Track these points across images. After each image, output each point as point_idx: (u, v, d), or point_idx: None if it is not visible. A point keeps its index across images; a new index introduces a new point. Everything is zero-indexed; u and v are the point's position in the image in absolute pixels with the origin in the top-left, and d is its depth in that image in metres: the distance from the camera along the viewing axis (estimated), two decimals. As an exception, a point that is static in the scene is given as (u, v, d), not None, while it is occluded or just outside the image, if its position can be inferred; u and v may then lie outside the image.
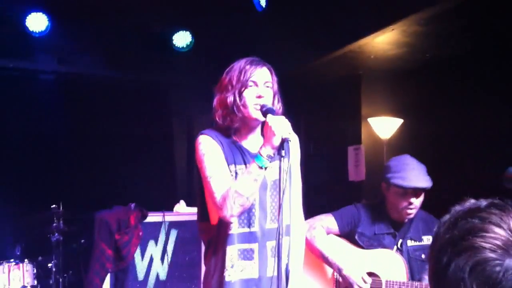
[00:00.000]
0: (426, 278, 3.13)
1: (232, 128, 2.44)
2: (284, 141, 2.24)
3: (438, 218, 3.10)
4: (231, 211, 2.27)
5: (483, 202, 1.06)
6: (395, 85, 5.49)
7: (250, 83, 2.40)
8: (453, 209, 1.10)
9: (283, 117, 2.33)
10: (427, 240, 3.18)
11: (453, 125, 4.86)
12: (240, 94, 2.39)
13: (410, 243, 3.16)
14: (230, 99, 2.40)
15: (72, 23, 5.25)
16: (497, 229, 0.99)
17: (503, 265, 0.96)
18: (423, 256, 3.14)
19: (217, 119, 2.46)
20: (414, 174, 3.03)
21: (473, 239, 0.99)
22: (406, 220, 3.18)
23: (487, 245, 0.98)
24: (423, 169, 3.09)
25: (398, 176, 3.03)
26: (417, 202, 3.09)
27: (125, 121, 5.85)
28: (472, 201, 1.09)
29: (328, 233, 3.23)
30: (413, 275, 3.11)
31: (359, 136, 5.79)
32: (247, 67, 2.42)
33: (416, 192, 3.05)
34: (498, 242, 0.98)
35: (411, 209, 3.08)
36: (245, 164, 2.38)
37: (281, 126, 2.25)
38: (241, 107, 2.39)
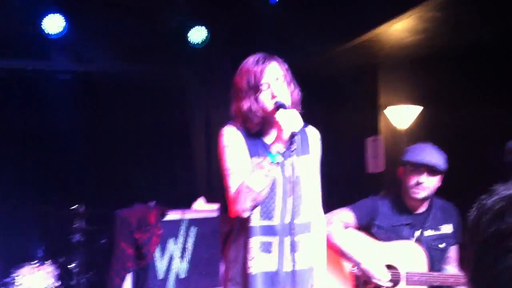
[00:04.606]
0: (445, 268, 3.09)
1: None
2: (293, 136, 2.22)
3: (456, 207, 3.06)
4: (243, 205, 2.27)
5: None
6: (413, 74, 5.39)
7: (263, 87, 2.34)
8: (496, 192, 0.96)
9: (293, 111, 2.29)
10: (445, 229, 3.13)
11: (473, 113, 4.75)
12: (256, 99, 2.34)
13: (428, 233, 3.12)
14: (246, 106, 2.35)
15: (88, 22, 5.25)
16: None
17: None
18: (441, 245, 3.10)
19: (238, 124, 2.42)
20: (427, 152, 3.03)
21: None
22: (424, 210, 3.14)
23: None
24: (441, 153, 3.06)
25: (411, 154, 3.05)
26: (428, 182, 3.03)
27: (144, 118, 5.88)
28: None
29: (346, 227, 3.19)
30: (433, 265, 3.08)
31: (376, 127, 5.70)
32: (254, 68, 2.35)
33: (428, 170, 3.01)
34: None
35: (419, 188, 3.03)
36: None
37: (289, 121, 2.23)
38: (260, 111, 2.35)
